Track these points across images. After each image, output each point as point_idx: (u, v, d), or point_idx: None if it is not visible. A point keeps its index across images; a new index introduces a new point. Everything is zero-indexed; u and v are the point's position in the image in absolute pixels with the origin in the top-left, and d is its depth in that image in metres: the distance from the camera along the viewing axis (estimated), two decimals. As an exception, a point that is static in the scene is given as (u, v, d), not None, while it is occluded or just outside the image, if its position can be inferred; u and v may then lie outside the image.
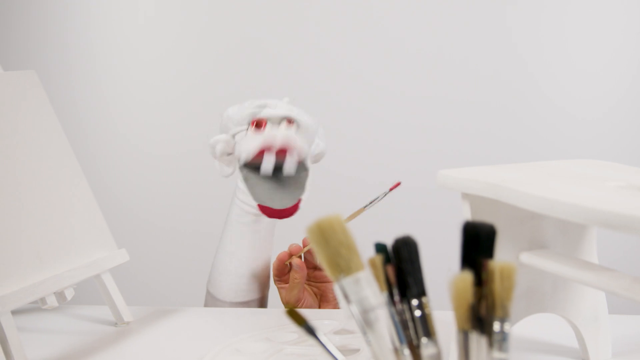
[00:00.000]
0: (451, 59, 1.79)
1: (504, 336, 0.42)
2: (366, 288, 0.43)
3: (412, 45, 1.79)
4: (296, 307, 0.94)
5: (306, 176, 0.93)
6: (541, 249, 0.67)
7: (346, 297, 0.43)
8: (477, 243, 0.44)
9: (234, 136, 0.92)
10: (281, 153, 0.88)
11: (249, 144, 0.89)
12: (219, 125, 0.94)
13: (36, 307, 0.89)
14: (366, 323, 0.43)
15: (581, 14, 1.76)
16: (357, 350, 0.75)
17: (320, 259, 0.44)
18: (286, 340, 0.78)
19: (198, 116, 1.84)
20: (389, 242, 0.48)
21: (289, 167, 0.89)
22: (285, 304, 0.95)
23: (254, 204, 0.90)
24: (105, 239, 0.88)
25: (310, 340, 0.77)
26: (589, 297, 0.71)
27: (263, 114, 0.90)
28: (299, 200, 0.91)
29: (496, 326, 0.42)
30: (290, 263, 0.94)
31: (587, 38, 1.76)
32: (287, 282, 0.96)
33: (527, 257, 0.64)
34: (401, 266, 0.45)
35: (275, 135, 0.88)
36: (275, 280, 0.97)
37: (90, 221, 0.87)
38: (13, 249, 0.76)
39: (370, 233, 0.53)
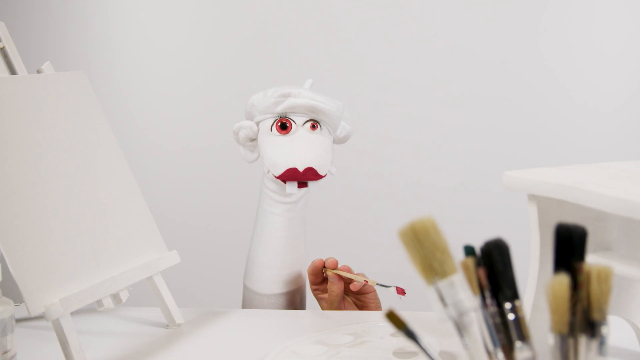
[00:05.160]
0: (467, 53, 1.78)
1: (602, 339, 0.42)
2: (461, 291, 0.43)
3: (443, 43, 1.78)
4: None
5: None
6: (606, 250, 0.66)
7: (442, 300, 0.42)
8: (570, 245, 0.44)
9: (257, 123, 0.93)
10: (307, 172, 0.89)
11: (276, 158, 0.90)
12: (243, 111, 0.96)
13: (90, 309, 0.89)
14: (462, 326, 0.43)
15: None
16: (415, 353, 0.74)
17: (412, 262, 0.44)
18: (341, 343, 0.78)
19: (221, 112, 1.83)
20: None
21: (311, 186, 0.92)
22: None
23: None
24: (156, 240, 0.87)
25: (367, 342, 0.77)
26: (652, 299, 0.70)
27: (287, 103, 0.91)
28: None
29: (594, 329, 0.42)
30: (325, 272, 0.94)
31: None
32: (324, 291, 0.96)
33: (593, 259, 0.64)
34: (493, 269, 0.44)
35: (302, 155, 0.89)
36: (312, 289, 0.97)
37: (142, 222, 0.87)
38: (71, 252, 0.76)
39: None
